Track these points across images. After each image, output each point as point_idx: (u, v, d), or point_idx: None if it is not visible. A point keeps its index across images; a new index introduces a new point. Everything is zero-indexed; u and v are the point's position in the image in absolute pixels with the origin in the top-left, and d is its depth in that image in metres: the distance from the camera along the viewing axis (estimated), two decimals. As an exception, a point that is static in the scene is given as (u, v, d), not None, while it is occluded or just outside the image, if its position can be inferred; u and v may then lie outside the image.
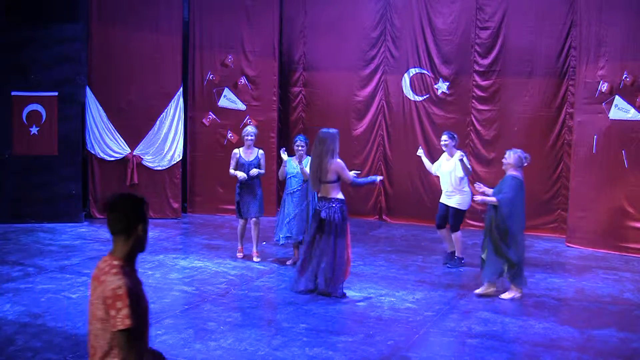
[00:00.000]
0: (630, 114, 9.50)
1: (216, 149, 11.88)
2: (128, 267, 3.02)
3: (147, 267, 8.18)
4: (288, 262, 8.54)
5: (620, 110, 9.56)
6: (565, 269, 8.76)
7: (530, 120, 10.95)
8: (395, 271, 8.36)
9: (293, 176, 8.29)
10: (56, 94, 10.61)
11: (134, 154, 11.27)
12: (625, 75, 9.49)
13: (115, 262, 3.00)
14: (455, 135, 8.84)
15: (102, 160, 11.21)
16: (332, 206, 7.04)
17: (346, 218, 7.13)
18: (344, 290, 7.14)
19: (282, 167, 8.40)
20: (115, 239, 3.03)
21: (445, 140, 8.67)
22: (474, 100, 11.31)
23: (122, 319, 2.87)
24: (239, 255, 8.82)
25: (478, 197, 7.42)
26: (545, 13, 10.79)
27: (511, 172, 7.31)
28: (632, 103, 9.48)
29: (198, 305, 6.77)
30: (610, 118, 9.65)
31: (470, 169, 8.60)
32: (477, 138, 11.30)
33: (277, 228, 8.46)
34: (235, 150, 8.76)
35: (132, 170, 11.25)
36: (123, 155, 11.24)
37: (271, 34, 11.97)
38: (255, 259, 8.69)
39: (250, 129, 8.76)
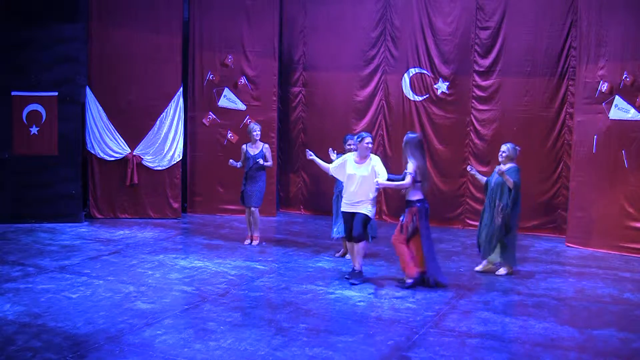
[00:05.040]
0: (630, 114, 9.50)
1: (216, 149, 11.89)
2: None
3: (147, 267, 8.19)
4: (337, 254, 9.09)
5: (620, 110, 9.56)
6: (565, 269, 8.75)
7: (530, 120, 10.94)
8: (395, 271, 8.36)
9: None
10: (56, 94, 10.61)
11: (134, 154, 11.27)
12: (625, 75, 9.49)
13: None
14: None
15: (102, 160, 11.22)
16: None
17: None
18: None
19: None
20: None
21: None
22: (473, 100, 11.31)
23: None
24: (246, 242, 9.63)
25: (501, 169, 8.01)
26: (545, 13, 10.78)
27: (511, 164, 8.08)
28: (632, 103, 9.48)
29: (198, 305, 6.77)
30: (610, 118, 9.65)
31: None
32: (477, 138, 11.30)
33: (333, 223, 8.98)
34: (243, 145, 9.63)
35: (132, 170, 11.25)
36: (123, 155, 11.24)
37: (271, 34, 11.97)
38: (253, 242, 9.59)
39: (255, 125, 9.59)
